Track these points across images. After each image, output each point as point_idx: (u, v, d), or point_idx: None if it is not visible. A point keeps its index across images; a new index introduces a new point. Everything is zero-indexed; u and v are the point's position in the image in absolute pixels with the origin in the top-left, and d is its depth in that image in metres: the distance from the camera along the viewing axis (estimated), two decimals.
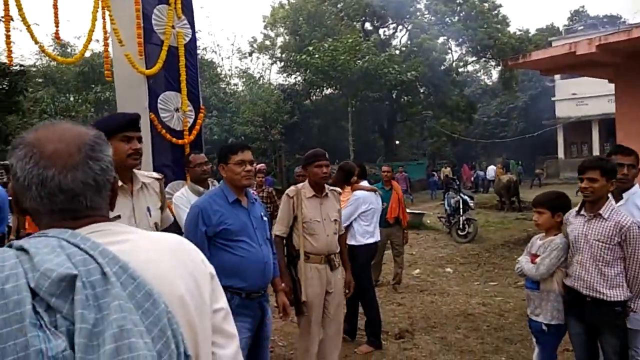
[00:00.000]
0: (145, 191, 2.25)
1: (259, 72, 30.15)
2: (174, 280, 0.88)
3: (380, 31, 30.04)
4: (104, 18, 3.56)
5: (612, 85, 9.33)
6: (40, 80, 24.60)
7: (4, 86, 12.04)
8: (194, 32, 4.19)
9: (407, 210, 7.29)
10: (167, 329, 0.77)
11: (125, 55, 3.57)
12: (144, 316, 0.75)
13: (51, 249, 0.76)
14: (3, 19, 3.28)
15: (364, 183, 4.81)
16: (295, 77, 27.46)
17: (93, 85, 24.31)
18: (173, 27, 3.95)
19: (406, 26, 29.06)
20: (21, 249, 0.76)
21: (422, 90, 29.09)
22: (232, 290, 2.39)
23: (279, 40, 28.72)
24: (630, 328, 2.65)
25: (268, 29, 29.08)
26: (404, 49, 28.61)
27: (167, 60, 3.89)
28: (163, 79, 3.99)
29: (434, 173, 24.65)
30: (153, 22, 3.86)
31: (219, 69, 30.35)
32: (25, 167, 0.83)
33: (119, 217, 2.07)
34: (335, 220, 3.36)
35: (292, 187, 3.35)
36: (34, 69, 23.86)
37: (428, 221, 12.86)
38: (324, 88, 26.25)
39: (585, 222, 2.68)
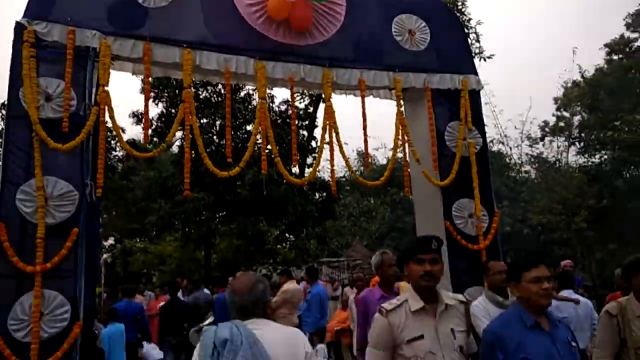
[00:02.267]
0: (449, 312, 2.27)
1: (553, 156, 27.95)
2: (278, 351, 1.91)
3: None
4: (404, 142, 4.05)
5: None
6: (347, 188, 29.16)
7: (323, 197, 14.74)
8: (484, 141, 4.32)
9: None
10: None
11: (422, 172, 3.94)
12: None
13: (228, 327, 1.90)
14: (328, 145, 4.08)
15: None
16: (601, 157, 24.17)
17: (389, 188, 27.24)
18: (464, 139, 4.18)
19: None
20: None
21: None
22: None
23: (576, 120, 26.29)
24: None
25: (561, 110, 27.17)
26: None
27: (460, 170, 4.09)
28: (456, 188, 4.18)
29: None
30: (446, 137, 4.20)
31: (507, 159, 29.64)
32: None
33: (422, 336, 2.15)
34: None
35: (613, 303, 2.79)
36: (344, 179, 28.58)
37: None
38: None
39: None
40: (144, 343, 8.39)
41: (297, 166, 13.11)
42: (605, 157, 23.36)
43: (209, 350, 1.85)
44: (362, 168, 32.49)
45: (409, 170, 4.25)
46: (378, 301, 3.57)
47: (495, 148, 27.76)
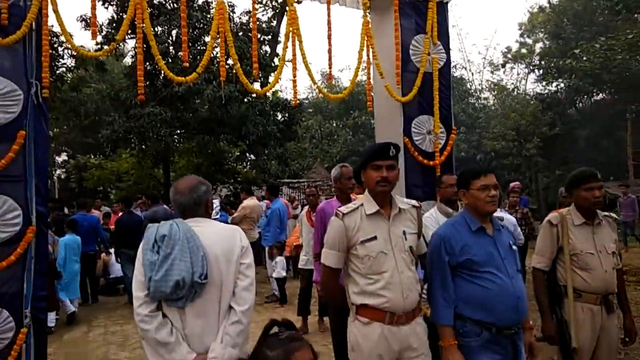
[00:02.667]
0: (402, 216, 2.37)
1: (512, 84, 28.42)
2: (214, 245, 2.13)
3: None
4: (368, 55, 3.97)
5: None
6: (310, 110, 28.92)
7: (286, 118, 14.60)
8: (448, 56, 4.29)
9: None
10: (201, 261, 2.04)
11: (385, 87, 3.91)
12: (192, 253, 2.04)
13: (168, 224, 2.12)
14: (291, 64, 3.99)
15: None
16: (557, 85, 24.74)
17: (352, 112, 27.21)
18: (428, 54, 4.13)
19: None
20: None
21: None
22: (482, 324, 2.28)
23: (538, 47, 26.46)
24: None
25: (525, 36, 27.17)
26: None
27: (422, 86, 4.09)
28: (417, 104, 4.20)
29: None
30: (410, 52, 4.14)
31: (468, 85, 29.88)
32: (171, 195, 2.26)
33: (375, 237, 2.26)
34: (614, 252, 2.87)
35: (555, 213, 2.99)
36: (306, 101, 28.20)
37: None
38: (594, 94, 22.85)
39: None
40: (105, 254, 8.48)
41: (259, 83, 12.74)
42: (562, 85, 23.96)
43: (149, 245, 2.08)
44: (325, 90, 32.13)
45: (371, 81, 4.22)
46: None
47: (457, 73, 27.87)
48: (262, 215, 8.11)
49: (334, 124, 27.16)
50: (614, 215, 3.06)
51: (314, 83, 3.93)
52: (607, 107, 22.82)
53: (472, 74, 30.11)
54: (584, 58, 18.88)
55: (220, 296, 2.08)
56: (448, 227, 2.48)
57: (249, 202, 7.97)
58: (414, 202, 2.51)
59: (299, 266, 6.14)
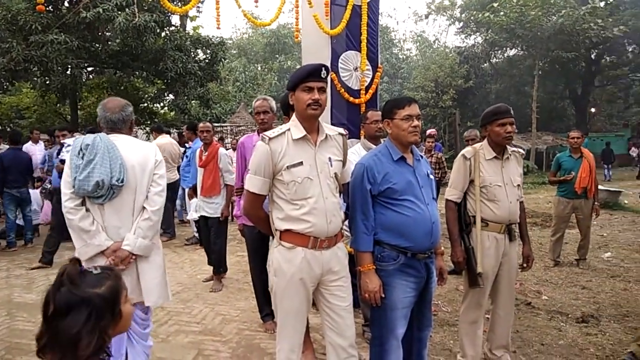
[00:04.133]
0: (328, 142, 2.34)
1: (434, 35, 29.11)
2: (131, 157, 2.57)
3: None
4: None
5: None
6: (234, 51, 27.74)
7: (207, 56, 13.82)
8: None
9: (601, 187, 6.40)
10: (119, 168, 2.49)
11: (313, 16, 3.78)
12: (112, 161, 2.48)
13: (92, 136, 2.53)
14: None
15: None
16: (475, 38, 25.73)
17: (277, 55, 26.50)
18: None
19: None
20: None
21: (630, 49, 24.60)
22: (398, 249, 2.38)
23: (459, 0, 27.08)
24: None
25: None
26: (611, 0, 24.37)
27: (351, 20, 4.01)
28: (345, 39, 4.12)
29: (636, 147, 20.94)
30: None
31: (393, 34, 30.13)
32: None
33: (301, 163, 2.22)
34: (519, 185, 3.09)
35: (469, 148, 3.11)
36: (230, 41, 26.94)
37: (625, 201, 11.11)
38: (508, 49, 24.08)
39: None
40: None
41: (178, 15, 11.86)
42: (479, 39, 24.95)
43: (76, 151, 2.50)
44: (250, 30, 30.86)
45: (299, 10, 4.06)
46: (254, 146, 3.67)
47: (383, 22, 27.96)
48: (178, 154, 7.79)
49: (259, 68, 26.35)
50: (521, 150, 3.28)
51: (239, 7, 3.70)
52: (518, 62, 24.28)
53: (397, 23, 30.27)
54: (501, 12, 19.67)
55: (135, 198, 2.56)
56: (371, 156, 2.49)
57: (161, 140, 7.60)
58: (340, 129, 2.48)
59: (187, 218, 5.97)
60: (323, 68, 2.24)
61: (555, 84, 25.65)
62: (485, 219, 2.99)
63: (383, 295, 2.39)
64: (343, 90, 4.18)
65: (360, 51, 4.18)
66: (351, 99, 4.24)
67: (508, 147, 3.09)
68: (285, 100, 2.89)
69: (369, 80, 4.31)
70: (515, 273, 3.17)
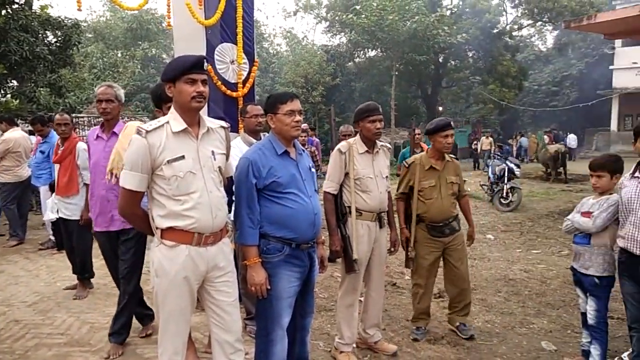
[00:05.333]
0: (211, 135, 2.29)
1: (303, 32, 29.83)
2: None
3: None
4: None
5: None
6: (90, 35, 25.22)
7: (59, 39, 12.36)
8: None
9: None
10: None
11: (186, 5, 3.64)
12: None
13: None
14: None
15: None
16: (340, 38, 26.99)
17: (140, 42, 24.74)
18: None
19: None
20: None
21: (470, 55, 28.04)
22: (283, 241, 2.45)
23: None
24: None
25: None
26: (455, 9, 27.45)
27: (225, 12, 3.94)
28: (220, 30, 4.05)
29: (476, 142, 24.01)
30: None
31: (263, 28, 30.16)
32: None
33: (183, 157, 2.14)
34: (387, 177, 3.38)
35: (344, 142, 3.30)
36: (85, 24, 24.42)
37: (468, 189, 12.69)
38: (369, 50, 25.70)
39: (639, 184, 2.65)
40: None
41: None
42: (344, 39, 26.24)
43: None
44: (108, 13, 28.30)
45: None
46: (95, 140, 3.46)
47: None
48: (30, 149, 6.91)
49: (120, 54, 24.35)
50: (388, 145, 3.58)
51: None
52: (378, 63, 26.08)
53: (267, 17, 30.39)
54: (363, 15, 20.94)
55: None
56: (255, 150, 2.51)
57: (12, 134, 6.69)
58: (222, 122, 2.45)
59: (43, 219, 5.49)
60: (204, 60, 2.20)
61: (409, 84, 28.14)
62: (359, 208, 3.21)
63: (269, 287, 2.44)
64: (220, 83, 4.11)
65: (236, 44, 4.15)
66: (228, 92, 4.19)
67: (377, 141, 3.34)
68: (157, 92, 2.75)
69: (245, 73, 4.29)
70: (385, 257, 3.45)
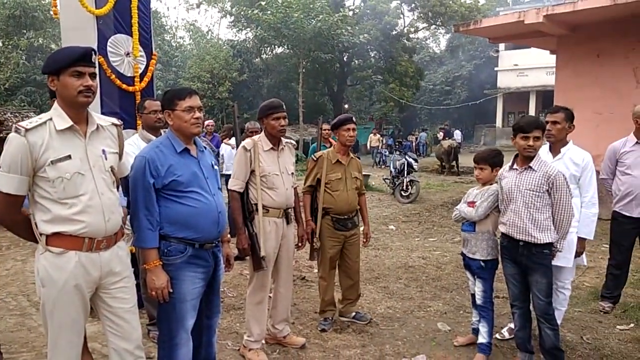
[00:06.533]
0: (101, 133, 2.15)
1: (207, 26, 29.02)
2: None
3: None
4: None
5: (551, 58, 9.84)
6: None
7: None
8: None
9: None
10: None
11: None
12: None
13: None
14: None
15: None
16: (246, 33, 26.65)
17: (25, 31, 22.40)
18: None
19: None
20: None
21: (373, 55, 29.16)
22: (186, 242, 2.37)
23: None
24: (555, 265, 3.02)
25: None
26: (357, 10, 28.35)
27: (119, 1, 3.71)
28: (113, 20, 3.80)
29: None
30: None
31: (164, 19, 28.85)
32: None
33: (69, 157, 1.98)
34: (293, 173, 3.41)
35: (249, 140, 3.28)
36: None
37: (373, 183, 13.24)
38: (276, 46, 25.68)
39: (517, 175, 2.98)
40: None
41: None
42: (250, 34, 25.96)
43: None
44: None
45: None
46: None
47: (152, 6, 26.48)
48: None
49: (1, 44, 21.84)
50: (293, 141, 3.62)
51: None
52: (285, 60, 26.17)
53: (168, 9, 29.07)
54: (268, 11, 20.86)
55: None
56: (152, 148, 2.40)
57: None
58: (114, 119, 2.31)
59: None
60: (92, 52, 2.05)
61: (317, 82, 28.59)
62: (266, 205, 3.22)
63: (171, 290, 2.36)
64: (114, 76, 3.86)
65: (131, 35, 3.92)
66: (124, 86, 3.95)
67: (282, 138, 3.37)
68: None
69: (143, 67, 4.07)
70: (293, 252, 3.51)
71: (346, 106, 31.02)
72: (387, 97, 27.96)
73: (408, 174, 10.79)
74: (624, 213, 4.04)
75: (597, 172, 3.64)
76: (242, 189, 3.22)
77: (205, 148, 2.61)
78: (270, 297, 3.50)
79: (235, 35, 27.71)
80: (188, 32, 29.14)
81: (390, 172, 11.88)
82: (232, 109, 5.58)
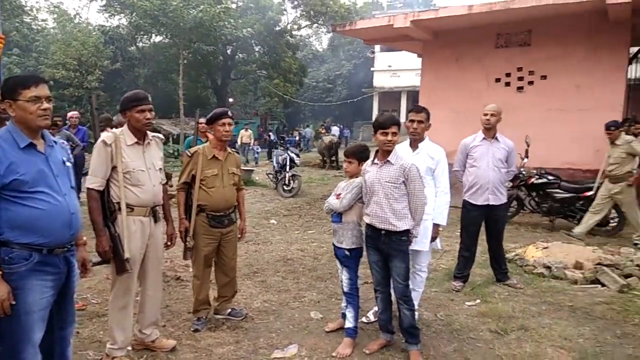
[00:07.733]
0: None
1: (74, 9, 26.50)
2: None
3: None
4: None
5: (419, 61, 10.71)
6: None
7: None
8: None
9: None
10: None
11: None
12: None
13: None
14: None
15: None
16: (120, 19, 24.80)
17: None
18: None
19: None
20: None
21: (257, 49, 29.04)
22: (31, 247, 2.16)
23: None
24: (413, 249, 3.33)
25: None
26: (240, 3, 27.99)
27: None
28: None
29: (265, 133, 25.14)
30: None
31: (23, 1, 25.64)
32: None
33: None
34: (161, 169, 3.26)
35: (109, 134, 3.06)
36: None
37: (257, 178, 13.24)
38: (153, 35, 24.30)
39: (378, 168, 3.21)
40: None
41: None
42: (124, 21, 24.21)
43: None
44: None
45: None
46: None
47: None
48: None
49: None
50: (160, 135, 3.45)
51: None
52: (164, 50, 24.89)
53: None
54: None
55: None
56: None
57: None
58: None
59: None
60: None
61: (199, 74, 27.67)
62: (130, 204, 3.03)
63: (14, 302, 2.13)
64: None
65: None
66: None
67: (148, 132, 3.20)
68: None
69: None
70: (162, 252, 3.34)
71: (231, 100, 30.50)
72: (271, 92, 28.12)
73: (290, 168, 10.97)
74: (471, 201, 4.56)
75: (451, 165, 4.10)
76: (102, 187, 2.98)
77: (55, 142, 2.38)
78: (137, 300, 3.32)
79: (107, 21, 25.66)
80: (52, 14, 26.21)
81: (273, 167, 11.98)
82: (89, 100, 5.16)
